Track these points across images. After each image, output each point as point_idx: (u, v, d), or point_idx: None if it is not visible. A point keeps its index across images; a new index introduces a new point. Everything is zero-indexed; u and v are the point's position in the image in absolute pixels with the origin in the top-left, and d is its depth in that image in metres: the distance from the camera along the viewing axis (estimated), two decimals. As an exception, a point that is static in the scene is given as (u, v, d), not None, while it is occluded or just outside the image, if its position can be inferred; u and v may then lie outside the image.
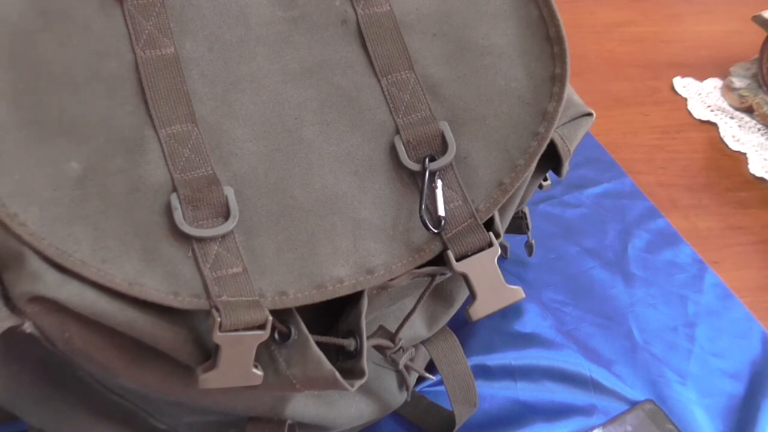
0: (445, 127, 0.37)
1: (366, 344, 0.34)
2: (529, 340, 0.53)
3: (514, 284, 0.57)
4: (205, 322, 0.33)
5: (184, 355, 0.32)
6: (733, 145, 0.72)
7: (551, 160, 0.40)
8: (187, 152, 0.34)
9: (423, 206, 0.35)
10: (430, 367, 0.46)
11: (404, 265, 0.35)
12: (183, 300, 0.32)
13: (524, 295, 0.36)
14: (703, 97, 0.77)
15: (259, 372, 0.32)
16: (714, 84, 0.79)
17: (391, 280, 0.35)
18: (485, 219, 0.36)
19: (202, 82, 0.35)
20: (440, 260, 0.36)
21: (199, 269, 0.32)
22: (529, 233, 0.52)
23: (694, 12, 0.89)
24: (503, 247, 0.58)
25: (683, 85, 0.78)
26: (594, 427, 0.49)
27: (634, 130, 0.73)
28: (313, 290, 0.34)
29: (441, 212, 0.36)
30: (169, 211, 0.33)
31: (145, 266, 0.32)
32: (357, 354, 0.34)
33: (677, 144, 0.72)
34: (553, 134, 0.39)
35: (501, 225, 0.38)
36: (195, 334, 0.32)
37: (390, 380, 0.44)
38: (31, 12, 0.34)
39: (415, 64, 0.38)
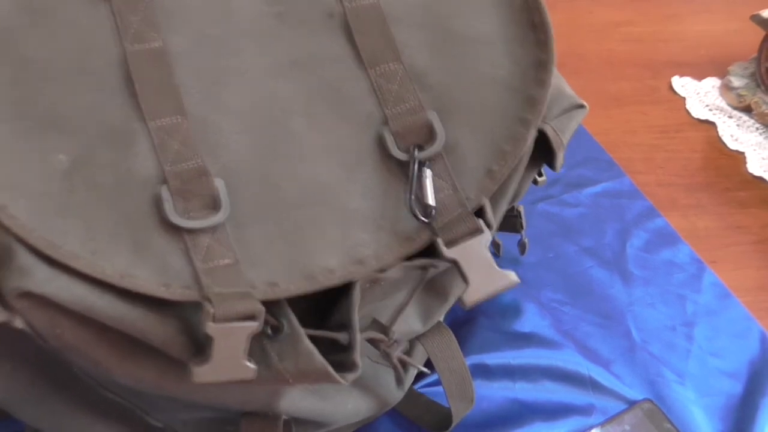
0: (434, 117, 0.37)
1: (359, 337, 0.34)
2: (528, 340, 0.53)
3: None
4: (196, 316, 0.33)
5: (175, 350, 0.32)
6: (732, 145, 0.72)
7: (545, 152, 0.40)
8: (176, 144, 0.34)
9: (412, 196, 0.35)
10: (428, 366, 0.46)
11: (394, 255, 0.35)
12: (174, 291, 0.32)
13: (518, 279, 0.36)
14: (701, 96, 0.77)
15: (251, 365, 0.32)
16: (712, 83, 0.79)
17: (382, 271, 0.35)
18: (475, 207, 0.37)
19: (190, 76, 0.36)
20: (431, 251, 0.36)
21: (190, 261, 0.32)
22: (523, 232, 0.52)
23: (692, 11, 0.89)
24: (496, 245, 0.58)
25: (682, 84, 0.78)
26: (592, 427, 0.49)
27: (632, 130, 0.73)
28: (304, 281, 0.34)
29: (431, 201, 0.36)
30: (158, 203, 0.33)
31: (136, 258, 0.32)
32: (349, 347, 0.34)
33: (676, 143, 0.72)
34: (546, 126, 0.39)
35: (494, 216, 0.38)
36: (186, 327, 0.32)
37: (387, 377, 0.44)
38: (19, 9, 0.34)
39: (402, 55, 0.38)
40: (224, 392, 0.36)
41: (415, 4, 0.39)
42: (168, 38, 0.36)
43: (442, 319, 0.46)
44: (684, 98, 0.77)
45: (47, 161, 0.32)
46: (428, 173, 0.36)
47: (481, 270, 0.36)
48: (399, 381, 0.43)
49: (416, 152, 0.36)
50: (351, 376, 0.34)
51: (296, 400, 0.38)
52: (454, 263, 0.36)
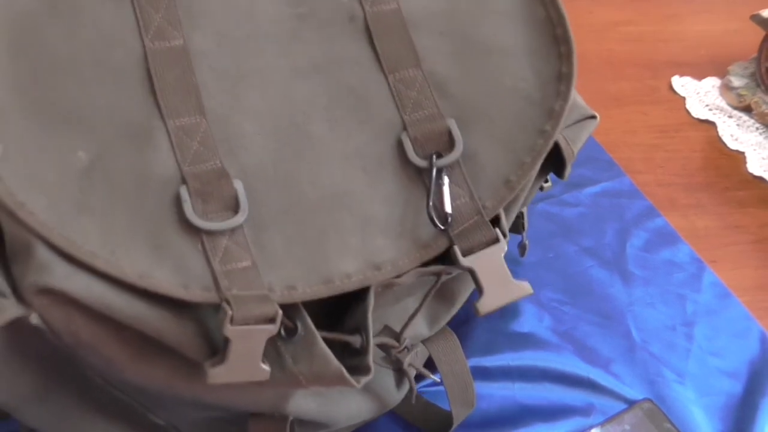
0: (452, 125, 0.37)
1: (372, 341, 0.34)
2: (527, 340, 0.53)
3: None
4: (213, 317, 0.33)
5: (191, 350, 0.32)
6: (732, 144, 0.72)
7: (554, 161, 0.40)
8: (195, 144, 0.34)
9: (430, 203, 0.35)
10: (428, 366, 0.46)
11: (411, 261, 0.36)
12: (193, 293, 0.32)
13: (531, 290, 0.37)
14: (701, 96, 0.77)
15: (266, 367, 0.32)
16: (712, 83, 0.79)
17: (398, 276, 0.35)
18: (492, 216, 0.37)
19: (211, 76, 0.35)
20: (446, 257, 0.36)
21: (208, 262, 0.32)
22: (524, 233, 0.52)
23: (692, 11, 0.89)
24: None
25: (681, 84, 0.78)
26: (592, 427, 0.49)
27: (632, 130, 0.73)
28: (321, 285, 0.34)
29: (448, 209, 0.36)
30: (177, 203, 0.33)
31: (154, 258, 0.32)
32: (363, 351, 0.34)
33: (676, 143, 0.72)
34: (558, 136, 0.39)
35: (506, 223, 0.38)
36: (202, 328, 0.32)
37: (387, 378, 0.44)
38: (41, 1, 0.34)
39: (422, 62, 0.38)
40: (235, 393, 0.36)
41: (438, 12, 0.39)
42: (189, 36, 0.36)
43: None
44: (684, 98, 0.77)
45: (66, 158, 0.32)
46: (446, 180, 0.36)
47: (496, 280, 0.36)
48: (401, 384, 0.43)
49: (435, 160, 0.36)
50: (364, 380, 0.34)
51: (303, 402, 0.39)
52: (471, 272, 0.36)
